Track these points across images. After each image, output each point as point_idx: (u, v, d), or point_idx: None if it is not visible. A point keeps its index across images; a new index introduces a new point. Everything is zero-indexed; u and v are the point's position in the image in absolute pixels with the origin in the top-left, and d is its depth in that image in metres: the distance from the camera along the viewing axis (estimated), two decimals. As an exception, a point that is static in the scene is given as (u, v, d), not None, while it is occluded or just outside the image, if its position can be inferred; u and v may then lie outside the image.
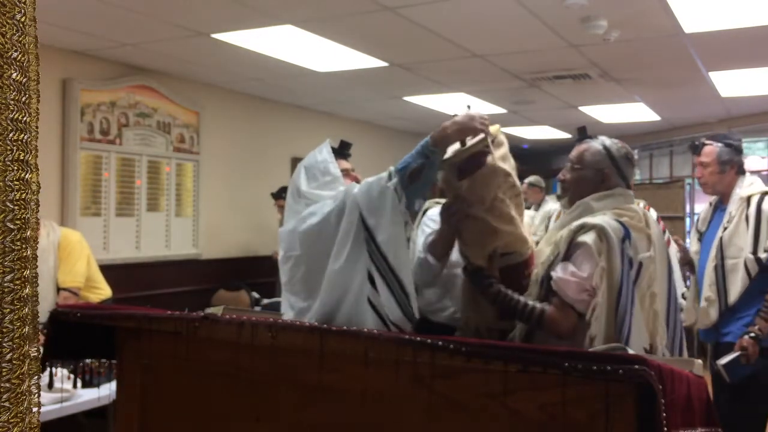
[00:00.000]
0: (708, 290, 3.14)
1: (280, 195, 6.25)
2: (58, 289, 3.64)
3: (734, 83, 5.76)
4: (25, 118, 0.70)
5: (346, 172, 2.25)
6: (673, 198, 7.82)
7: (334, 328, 1.54)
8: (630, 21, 4.00)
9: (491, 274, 2.06)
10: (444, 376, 1.37)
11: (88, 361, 2.27)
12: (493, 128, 2.09)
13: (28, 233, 0.71)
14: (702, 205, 9.65)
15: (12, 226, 0.68)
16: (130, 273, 5.25)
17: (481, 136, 2.05)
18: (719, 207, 3.35)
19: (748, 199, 3.15)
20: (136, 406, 1.76)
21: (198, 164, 6.04)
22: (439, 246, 2.25)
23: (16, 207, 0.69)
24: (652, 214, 3.90)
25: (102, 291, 3.92)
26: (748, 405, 2.95)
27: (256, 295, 6.01)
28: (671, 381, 1.25)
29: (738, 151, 3.26)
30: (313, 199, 2.09)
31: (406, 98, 6.60)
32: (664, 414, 1.16)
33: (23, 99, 0.70)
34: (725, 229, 3.21)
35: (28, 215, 0.71)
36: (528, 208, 6.09)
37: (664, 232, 3.41)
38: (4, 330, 0.68)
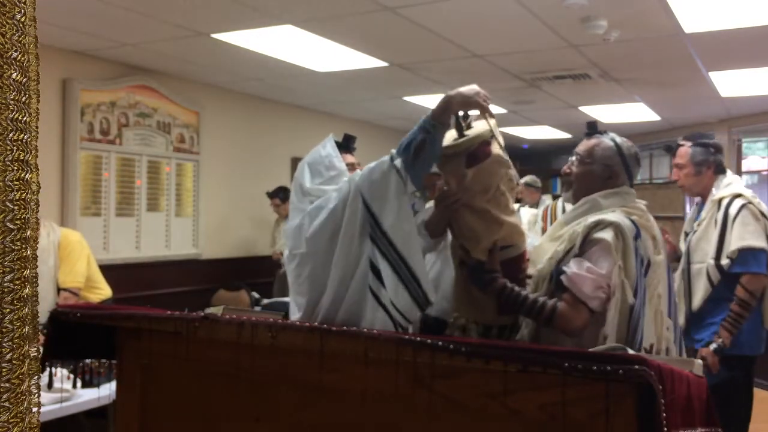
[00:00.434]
0: (676, 295, 3.10)
1: (276, 194, 6.28)
2: (59, 290, 3.64)
3: (734, 83, 5.76)
4: (25, 118, 0.70)
5: (351, 167, 2.19)
6: (673, 198, 7.82)
7: (334, 328, 1.54)
8: (630, 21, 4.00)
9: (493, 268, 2.00)
10: (444, 376, 1.37)
11: (88, 361, 2.27)
12: (487, 121, 2.07)
13: (28, 233, 0.71)
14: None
15: (12, 226, 0.68)
16: (130, 273, 5.25)
17: (492, 121, 2.03)
18: (701, 208, 3.26)
19: (719, 201, 3.04)
20: (136, 406, 1.76)
21: (198, 164, 6.04)
22: (434, 224, 2.17)
23: (16, 207, 0.69)
24: None
25: (102, 291, 3.93)
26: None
27: (256, 295, 6.01)
28: (671, 381, 1.25)
29: (715, 149, 3.15)
30: (318, 195, 2.04)
31: (406, 98, 6.60)
32: (664, 414, 1.16)
33: (23, 99, 0.70)
34: (695, 232, 3.13)
35: (28, 215, 0.71)
36: (523, 207, 6.10)
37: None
38: (4, 330, 0.68)
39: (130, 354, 1.79)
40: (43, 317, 1.41)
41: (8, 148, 0.68)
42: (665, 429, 1.16)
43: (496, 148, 2.03)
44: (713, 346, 2.90)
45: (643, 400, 1.20)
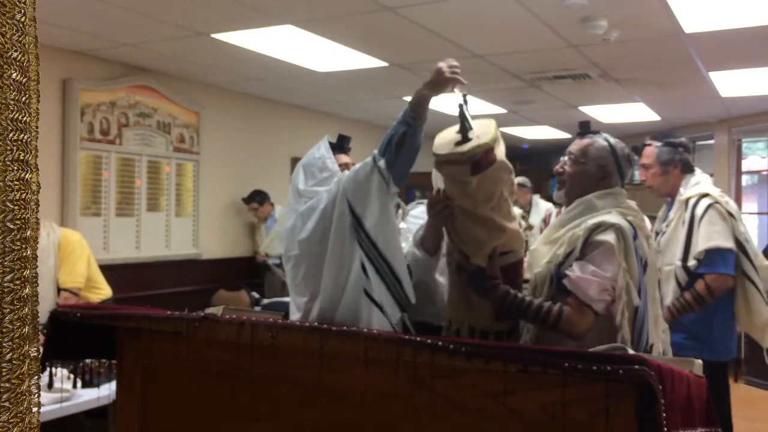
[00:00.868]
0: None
1: (252, 198, 6.35)
2: (59, 290, 3.64)
3: (734, 83, 5.76)
4: (25, 118, 0.70)
5: (345, 167, 2.22)
6: (673, 198, 7.81)
7: (334, 328, 1.54)
8: (630, 21, 4.00)
9: (494, 275, 1.97)
10: (444, 376, 1.37)
11: (88, 361, 2.27)
12: (490, 124, 2.04)
13: (28, 233, 0.71)
14: (702, 205, 9.51)
15: (12, 226, 0.68)
16: (130, 273, 5.25)
17: (491, 122, 2.01)
18: (670, 208, 3.19)
19: (687, 201, 2.98)
20: (136, 406, 1.76)
21: (198, 164, 6.04)
22: (429, 240, 2.18)
23: (16, 207, 0.69)
24: None
25: (102, 291, 3.93)
26: None
27: (256, 295, 6.02)
28: (671, 381, 1.25)
29: (682, 148, 3.08)
30: (311, 197, 2.08)
31: (406, 98, 6.57)
32: (664, 414, 1.16)
33: (23, 99, 0.70)
34: (663, 233, 3.07)
35: (28, 215, 0.71)
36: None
37: None
38: (4, 330, 0.68)
39: (130, 354, 1.79)
40: (43, 317, 1.41)
41: (8, 148, 0.68)
42: (665, 429, 1.16)
43: (500, 153, 2.00)
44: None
45: (643, 400, 1.20)
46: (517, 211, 5.93)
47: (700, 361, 1.56)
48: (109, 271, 4.26)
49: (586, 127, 2.20)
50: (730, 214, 2.93)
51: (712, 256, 2.86)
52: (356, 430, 1.50)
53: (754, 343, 6.42)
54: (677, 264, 2.92)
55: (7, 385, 0.68)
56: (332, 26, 4.21)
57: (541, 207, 6.11)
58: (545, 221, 5.32)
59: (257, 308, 5.46)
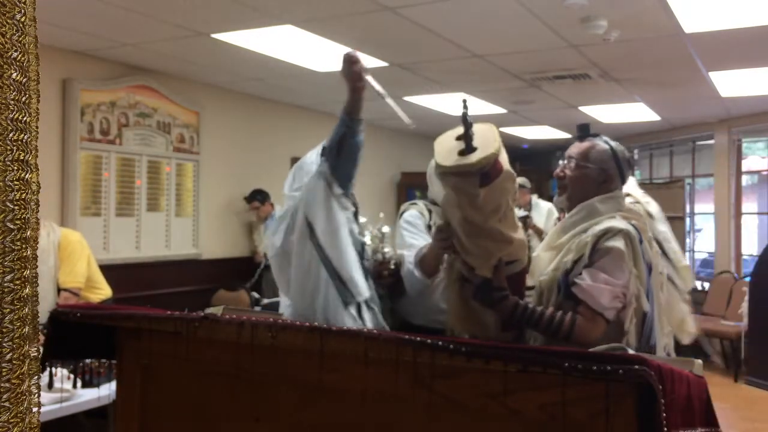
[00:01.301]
0: None
1: (254, 197, 6.36)
2: (59, 290, 3.64)
3: (734, 83, 5.76)
4: (25, 118, 0.70)
5: None
6: (673, 198, 7.82)
7: (334, 328, 1.54)
8: (630, 21, 4.00)
9: (502, 286, 1.92)
10: (444, 376, 1.37)
11: (88, 361, 2.27)
12: (492, 130, 1.98)
13: (28, 233, 0.71)
14: (703, 205, 9.61)
15: (12, 226, 0.68)
16: (130, 273, 5.25)
17: (492, 127, 1.95)
18: None
19: None
20: (136, 406, 1.76)
21: (198, 164, 6.04)
22: (429, 263, 2.21)
23: (16, 207, 0.69)
24: None
25: (102, 291, 3.93)
26: None
27: (256, 295, 6.02)
28: (671, 381, 1.25)
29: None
30: (291, 201, 2.20)
31: (406, 98, 6.59)
32: (664, 414, 1.16)
33: (23, 99, 0.70)
34: None
35: (28, 215, 0.71)
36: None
37: None
38: (4, 330, 0.68)
39: (130, 354, 1.79)
40: (43, 317, 1.41)
41: (8, 148, 0.68)
42: (665, 429, 1.16)
43: (505, 162, 1.93)
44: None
45: (643, 400, 1.20)
46: (521, 213, 5.91)
47: (700, 361, 1.56)
48: (109, 271, 4.26)
49: (585, 130, 2.17)
50: (649, 214, 2.97)
51: None
52: (356, 430, 1.50)
53: (755, 343, 6.43)
54: None
55: (7, 385, 0.68)
56: (332, 26, 4.21)
57: (542, 207, 6.09)
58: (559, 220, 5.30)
59: (257, 308, 5.47)
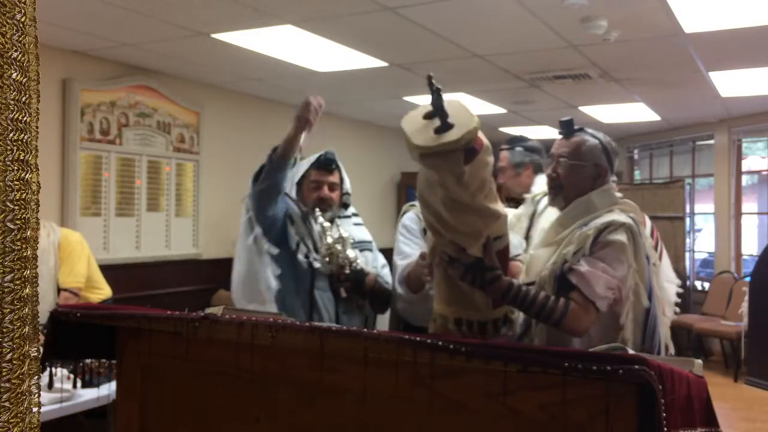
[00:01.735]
0: None
1: None
2: (59, 290, 3.64)
3: (734, 83, 5.76)
4: (25, 118, 0.70)
5: (317, 184, 2.61)
6: (673, 198, 7.81)
7: (334, 327, 1.54)
8: (630, 21, 4.00)
9: (494, 265, 1.84)
10: (444, 376, 1.37)
11: (88, 361, 2.27)
12: (461, 103, 1.86)
13: (28, 233, 0.71)
14: (703, 205, 9.60)
15: (12, 226, 0.68)
16: (130, 273, 5.25)
17: (459, 101, 1.85)
18: None
19: (533, 198, 2.96)
20: (136, 406, 1.76)
21: (198, 164, 6.04)
22: (414, 280, 2.22)
23: (16, 207, 0.69)
24: None
25: (102, 291, 3.93)
26: None
27: (256, 295, 6.01)
28: (671, 381, 1.25)
29: (532, 151, 3.11)
30: None
31: (406, 98, 6.59)
32: (664, 414, 1.16)
33: (23, 99, 0.70)
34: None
35: (28, 215, 0.71)
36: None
37: None
38: (4, 330, 0.68)
39: (130, 354, 1.79)
40: (43, 317, 1.41)
41: (8, 148, 0.68)
42: (665, 429, 1.16)
43: (482, 135, 1.85)
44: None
45: (643, 400, 1.20)
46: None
47: (699, 361, 1.56)
48: (109, 271, 4.26)
49: (569, 126, 2.15)
50: None
51: None
52: (356, 430, 1.50)
53: (755, 343, 6.43)
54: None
55: (8, 385, 0.68)
56: (332, 26, 4.21)
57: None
58: None
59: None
